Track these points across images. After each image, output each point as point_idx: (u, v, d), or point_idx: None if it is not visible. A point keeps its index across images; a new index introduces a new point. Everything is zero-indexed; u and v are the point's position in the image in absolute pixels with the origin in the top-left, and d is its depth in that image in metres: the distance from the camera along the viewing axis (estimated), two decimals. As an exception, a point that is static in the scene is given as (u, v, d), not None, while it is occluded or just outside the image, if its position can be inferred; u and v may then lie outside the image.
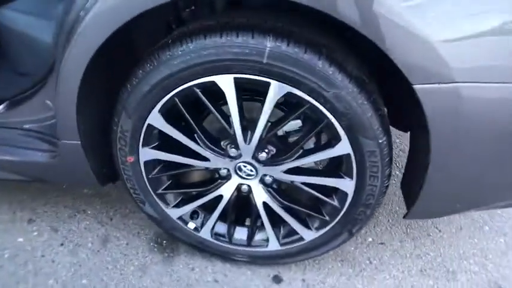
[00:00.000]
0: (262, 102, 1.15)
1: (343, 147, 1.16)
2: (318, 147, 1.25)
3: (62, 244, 1.62)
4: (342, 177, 1.23)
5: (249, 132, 1.21)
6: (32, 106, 1.42)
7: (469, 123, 1.04)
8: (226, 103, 1.25)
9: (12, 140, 1.44)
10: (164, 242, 1.64)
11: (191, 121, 1.21)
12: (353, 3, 0.93)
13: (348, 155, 1.17)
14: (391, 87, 1.24)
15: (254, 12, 1.16)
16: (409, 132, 1.43)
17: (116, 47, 1.13)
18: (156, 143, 1.29)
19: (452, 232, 1.73)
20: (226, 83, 1.10)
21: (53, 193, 1.84)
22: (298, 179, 1.29)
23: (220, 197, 1.37)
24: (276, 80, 1.07)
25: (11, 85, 1.51)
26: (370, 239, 1.68)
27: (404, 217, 1.32)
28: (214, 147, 1.26)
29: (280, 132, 1.29)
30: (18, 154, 1.43)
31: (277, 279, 1.52)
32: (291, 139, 1.32)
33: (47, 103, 1.40)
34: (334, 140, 1.17)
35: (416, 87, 1.00)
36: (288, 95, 1.09)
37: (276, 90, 1.09)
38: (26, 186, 1.84)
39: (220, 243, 1.47)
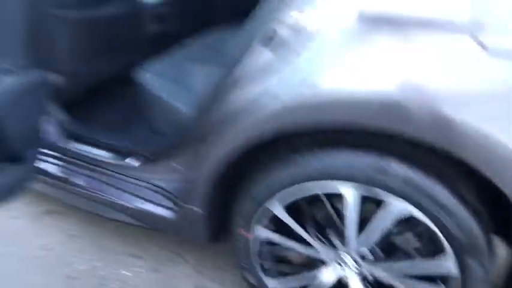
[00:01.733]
0: (379, 214, 1.24)
1: (450, 267, 1.22)
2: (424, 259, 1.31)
3: (161, 286, 1.80)
4: None
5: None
6: (162, 166, 1.60)
7: None
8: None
9: (141, 192, 1.64)
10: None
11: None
12: (480, 147, 0.98)
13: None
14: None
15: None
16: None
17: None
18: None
19: None
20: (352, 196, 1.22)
21: (158, 234, 1.98)
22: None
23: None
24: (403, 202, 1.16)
25: (146, 142, 1.72)
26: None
27: None
28: (324, 241, 1.37)
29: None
30: (144, 205, 1.63)
31: None
32: (394, 239, 1.39)
33: (174, 166, 1.58)
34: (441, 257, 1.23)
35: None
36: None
37: (398, 212, 1.18)
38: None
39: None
